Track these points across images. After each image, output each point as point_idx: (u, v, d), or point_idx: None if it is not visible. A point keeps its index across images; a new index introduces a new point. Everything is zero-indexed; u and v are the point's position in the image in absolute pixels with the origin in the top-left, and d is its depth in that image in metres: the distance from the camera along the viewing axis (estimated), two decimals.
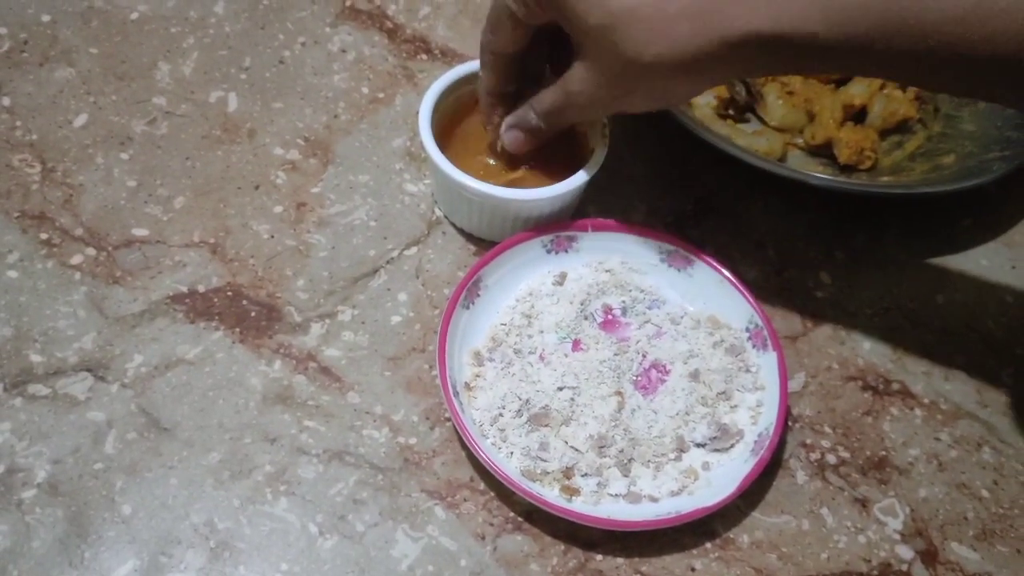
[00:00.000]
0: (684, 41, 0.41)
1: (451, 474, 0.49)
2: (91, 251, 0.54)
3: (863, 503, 0.50)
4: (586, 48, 0.45)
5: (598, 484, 0.48)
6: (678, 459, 0.49)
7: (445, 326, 0.50)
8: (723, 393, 0.51)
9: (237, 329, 0.52)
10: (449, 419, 0.50)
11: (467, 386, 0.50)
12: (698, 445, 0.49)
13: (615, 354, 0.51)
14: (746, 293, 0.52)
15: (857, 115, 0.64)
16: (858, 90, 0.64)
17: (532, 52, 0.51)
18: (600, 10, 0.42)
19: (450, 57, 0.66)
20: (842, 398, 0.54)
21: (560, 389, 0.50)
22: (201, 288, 0.54)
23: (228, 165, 0.59)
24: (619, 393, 0.50)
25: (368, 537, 0.46)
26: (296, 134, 0.61)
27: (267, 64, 0.64)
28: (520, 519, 0.48)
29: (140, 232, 0.55)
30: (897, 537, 0.49)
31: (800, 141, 0.63)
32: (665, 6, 0.41)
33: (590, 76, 0.46)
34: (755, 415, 0.50)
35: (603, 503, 0.47)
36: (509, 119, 0.52)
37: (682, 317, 0.53)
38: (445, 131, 0.57)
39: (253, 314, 0.53)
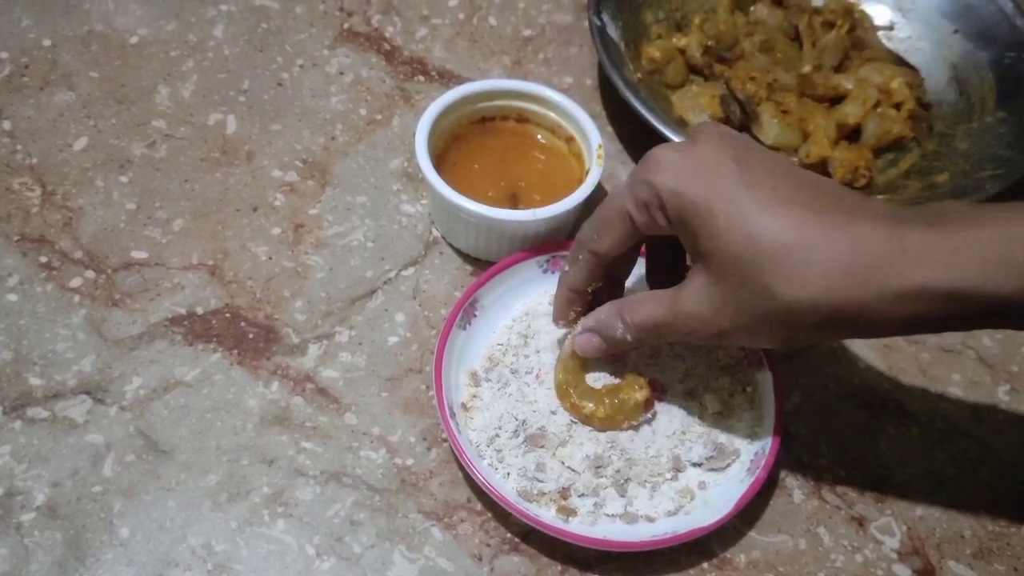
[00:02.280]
0: (834, 290, 0.38)
1: (448, 495, 0.49)
2: (90, 274, 0.55)
3: (860, 522, 0.50)
4: (716, 274, 0.40)
5: (595, 504, 0.48)
6: (674, 479, 0.49)
7: (442, 347, 0.50)
8: (719, 412, 0.51)
9: (235, 351, 0.53)
10: (446, 440, 0.50)
11: (464, 406, 0.50)
12: (694, 464, 0.49)
13: (611, 374, 0.52)
14: None
15: (851, 134, 0.64)
16: (852, 109, 0.64)
17: (627, 254, 0.47)
18: (745, 243, 0.38)
19: (447, 78, 0.67)
20: (838, 417, 0.54)
21: (556, 410, 0.50)
22: (199, 310, 0.54)
23: (227, 187, 0.59)
24: None
25: (365, 559, 0.46)
26: (294, 156, 0.61)
27: (265, 87, 0.65)
28: (517, 540, 0.48)
29: (139, 255, 0.56)
30: (894, 556, 0.49)
31: (795, 160, 0.64)
32: (821, 249, 0.38)
33: (713, 303, 0.41)
34: (751, 434, 0.50)
35: (600, 523, 0.47)
36: (587, 321, 0.48)
37: None
38: (442, 152, 0.57)
39: (251, 336, 0.53)
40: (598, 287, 0.48)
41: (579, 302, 0.49)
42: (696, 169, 0.40)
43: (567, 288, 0.48)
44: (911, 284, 0.37)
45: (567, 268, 0.48)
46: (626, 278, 0.50)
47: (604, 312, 0.47)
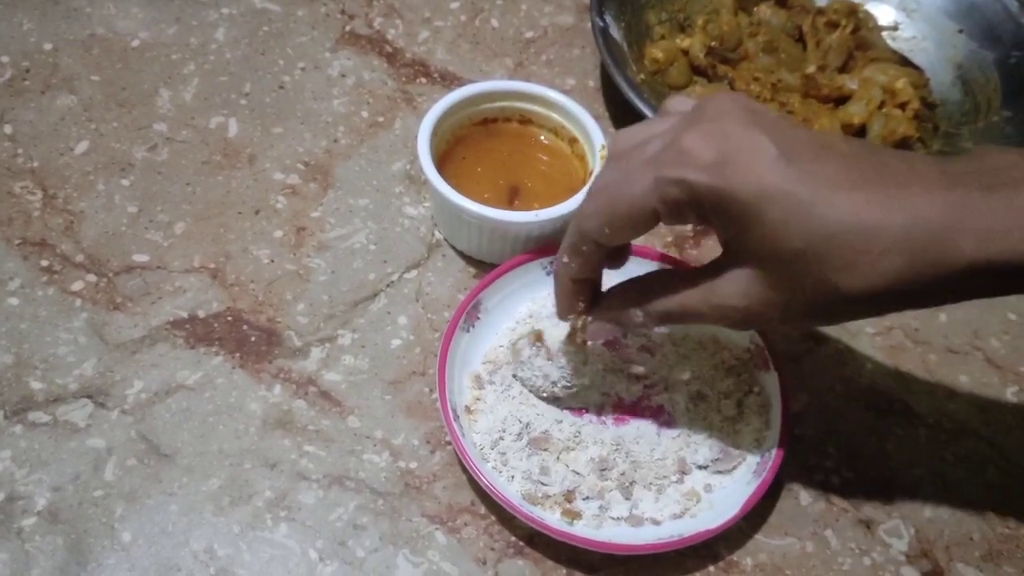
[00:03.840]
0: (896, 272, 0.36)
1: (452, 498, 0.48)
2: (92, 277, 0.54)
3: (868, 524, 0.50)
4: (768, 270, 0.38)
5: (600, 507, 0.47)
6: (680, 481, 0.49)
7: (445, 349, 0.50)
8: (724, 414, 0.50)
9: (237, 354, 0.52)
10: (450, 443, 0.50)
11: (467, 409, 0.50)
12: (700, 467, 0.49)
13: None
14: None
15: (857, 134, 0.64)
16: (857, 109, 0.64)
17: None
18: (804, 235, 0.36)
19: (449, 81, 0.67)
20: (845, 418, 0.53)
21: (562, 418, 0.50)
22: (201, 313, 0.54)
23: (228, 190, 0.59)
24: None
25: (369, 563, 0.46)
26: (296, 159, 0.61)
27: (267, 89, 0.65)
28: (522, 543, 0.47)
29: (140, 258, 0.56)
30: (902, 559, 0.49)
31: None
32: (880, 233, 0.35)
33: (762, 297, 0.39)
34: (757, 436, 0.50)
35: (605, 526, 0.47)
36: (599, 312, 0.45)
37: (683, 338, 0.53)
38: (444, 154, 0.57)
39: (253, 339, 0.53)
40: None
41: (583, 291, 0.45)
42: (735, 159, 0.36)
43: (571, 280, 0.45)
44: (975, 260, 0.35)
45: (566, 260, 0.44)
46: (620, 262, 0.46)
47: (618, 299, 0.44)
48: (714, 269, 0.40)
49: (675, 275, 0.42)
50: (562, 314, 0.47)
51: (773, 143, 0.36)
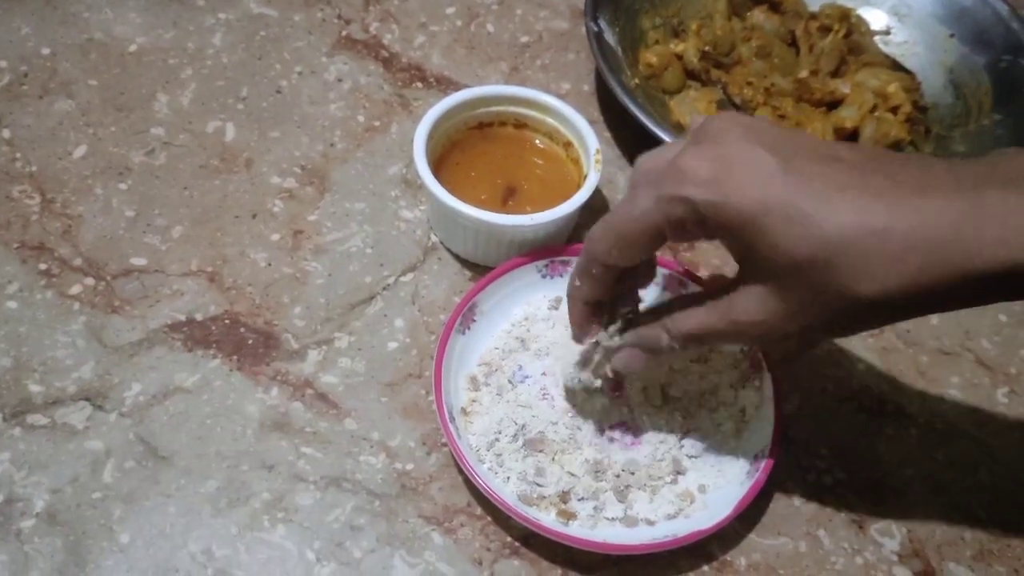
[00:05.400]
0: (912, 275, 0.34)
1: (448, 499, 0.49)
2: (90, 281, 0.55)
3: (860, 524, 0.50)
4: (781, 282, 0.37)
5: (595, 508, 0.48)
6: (674, 482, 0.49)
7: (441, 352, 0.50)
8: (717, 414, 0.51)
9: (234, 357, 0.53)
10: (446, 444, 0.50)
11: (463, 411, 0.50)
12: (691, 456, 0.49)
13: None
14: None
15: (849, 137, 0.65)
16: (849, 113, 0.64)
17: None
18: (811, 242, 0.35)
19: (445, 85, 0.67)
20: (837, 419, 0.54)
21: (557, 421, 0.50)
22: (199, 316, 0.54)
23: (226, 194, 0.60)
24: None
25: (366, 563, 0.46)
26: (293, 163, 0.62)
27: (264, 94, 0.65)
28: (517, 544, 0.48)
29: (138, 262, 0.56)
30: (894, 558, 0.49)
31: None
32: (890, 237, 0.34)
33: (779, 311, 0.38)
34: (751, 437, 0.50)
35: (600, 527, 0.47)
36: (629, 337, 0.45)
37: None
38: (440, 158, 0.58)
39: (250, 342, 0.53)
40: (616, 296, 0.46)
41: (597, 315, 0.46)
42: (734, 174, 0.36)
43: (583, 303, 0.45)
44: (999, 262, 0.33)
45: (578, 283, 0.45)
46: (647, 281, 0.47)
47: (644, 324, 0.44)
48: (732, 286, 0.40)
49: (697, 296, 0.42)
50: (578, 338, 0.47)
51: (772, 155, 0.36)
